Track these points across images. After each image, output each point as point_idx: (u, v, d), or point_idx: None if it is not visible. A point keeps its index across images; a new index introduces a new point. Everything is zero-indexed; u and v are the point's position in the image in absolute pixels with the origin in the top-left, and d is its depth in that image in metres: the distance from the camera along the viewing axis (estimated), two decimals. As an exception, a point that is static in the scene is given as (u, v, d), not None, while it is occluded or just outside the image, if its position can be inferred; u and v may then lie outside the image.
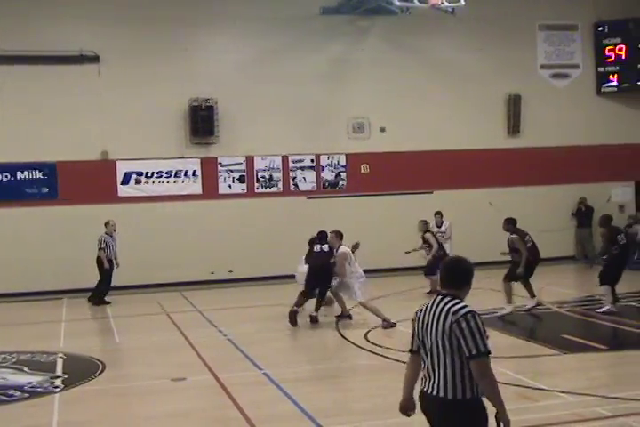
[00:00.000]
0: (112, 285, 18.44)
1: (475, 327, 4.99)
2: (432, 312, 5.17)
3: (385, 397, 9.56)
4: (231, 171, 21.03)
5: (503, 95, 22.70)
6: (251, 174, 21.19)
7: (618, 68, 23.37)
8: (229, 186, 21.06)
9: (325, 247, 15.07)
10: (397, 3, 18.62)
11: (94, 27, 19.94)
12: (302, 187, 21.55)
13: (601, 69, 23.55)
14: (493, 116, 22.68)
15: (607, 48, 23.41)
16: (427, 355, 5.21)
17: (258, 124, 20.90)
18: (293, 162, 21.44)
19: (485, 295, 17.20)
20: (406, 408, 5.47)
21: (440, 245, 17.62)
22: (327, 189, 21.72)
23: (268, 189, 21.31)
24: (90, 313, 17.36)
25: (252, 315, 16.31)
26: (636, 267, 19.42)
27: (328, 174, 21.73)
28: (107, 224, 18.33)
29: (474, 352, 4.97)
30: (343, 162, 21.78)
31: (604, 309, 14.38)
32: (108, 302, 18.08)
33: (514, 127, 22.79)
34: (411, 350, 5.42)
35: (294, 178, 21.49)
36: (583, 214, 22.99)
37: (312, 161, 21.59)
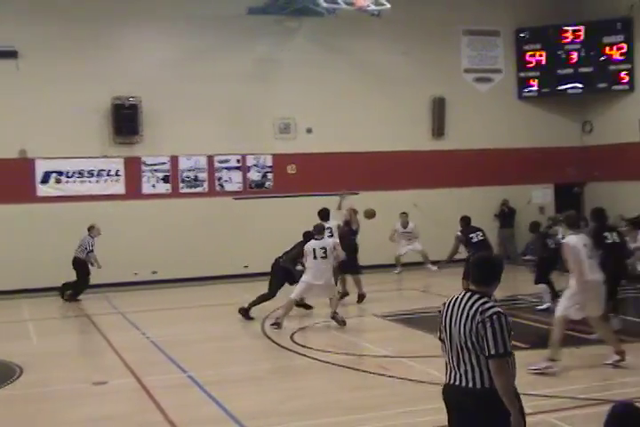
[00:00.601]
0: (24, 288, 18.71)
1: (498, 328, 5.14)
2: (460, 308, 5.30)
3: (311, 397, 9.57)
4: (155, 171, 20.78)
5: (428, 98, 22.95)
6: (175, 174, 20.98)
7: (538, 73, 23.84)
8: (153, 186, 20.80)
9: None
10: (324, 4, 18.65)
11: (13, 21, 19.46)
12: (228, 187, 21.42)
13: (522, 74, 24.00)
14: (418, 119, 22.92)
15: (528, 54, 23.86)
16: (452, 348, 5.35)
17: (183, 124, 20.70)
18: (219, 162, 21.30)
19: (410, 295, 17.40)
20: None
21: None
22: (253, 189, 21.65)
23: (193, 190, 21.13)
24: (5, 316, 16.84)
25: (176, 317, 16.14)
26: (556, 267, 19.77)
27: (254, 175, 21.65)
28: (92, 228, 18.55)
29: (492, 352, 5.12)
30: (269, 162, 21.73)
31: (544, 306, 14.74)
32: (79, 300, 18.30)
33: (438, 130, 23.07)
34: (440, 338, 5.53)
35: (220, 178, 21.35)
36: (505, 216, 23.40)
37: (238, 161, 21.48)
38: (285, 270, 15.08)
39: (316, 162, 21.84)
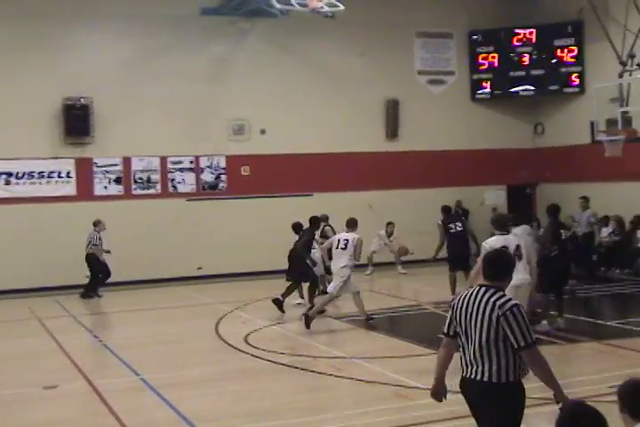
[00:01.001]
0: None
1: (521, 320, 5.29)
2: (476, 303, 5.44)
3: (265, 399, 9.53)
4: (107, 172, 20.56)
5: (382, 99, 23.03)
6: (128, 176, 20.78)
7: (490, 75, 24.06)
8: (105, 187, 20.59)
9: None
10: (277, 5, 18.60)
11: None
12: (181, 189, 21.28)
13: (475, 77, 24.20)
14: (372, 120, 22.99)
15: (480, 56, 24.07)
16: (469, 343, 5.49)
17: (135, 125, 20.52)
18: (172, 163, 21.15)
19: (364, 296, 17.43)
20: (438, 393, 5.91)
21: None
22: (207, 191, 21.53)
23: (146, 191, 20.95)
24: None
25: (128, 319, 15.99)
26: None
27: (208, 176, 21.53)
28: (98, 223, 18.74)
29: (522, 344, 5.28)
30: (223, 164, 21.63)
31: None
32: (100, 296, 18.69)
33: (392, 131, 23.16)
34: (446, 334, 5.70)
35: (173, 180, 21.20)
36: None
37: (191, 162, 21.35)
38: (300, 258, 15.19)
39: (269, 163, 21.78)
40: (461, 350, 5.59)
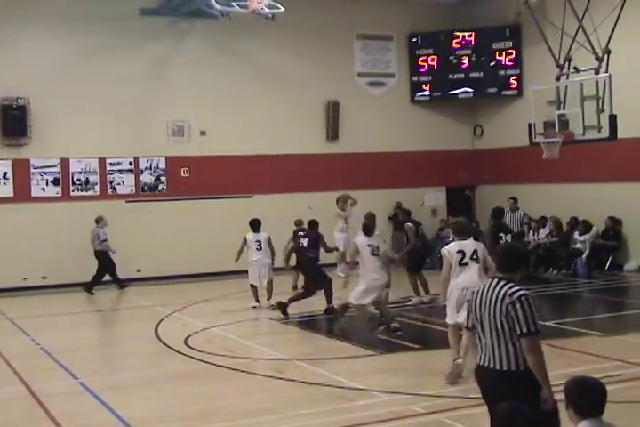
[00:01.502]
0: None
1: (527, 309, 5.56)
2: (489, 294, 5.74)
3: (206, 402, 9.47)
4: (44, 173, 20.25)
5: (322, 101, 23.07)
6: (66, 177, 20.49)
7: (430, 77, 24.27)
8: (43, 189, 20.27)
9: (305, 241, 15.35)
10: (217, 6, 18.53)
11: None
12: (120, 190, 21.05)
13: (414, 79, 24.37)
14: (313, 122, 23.02)
15: (420, 58, 24.26)
16: (483, 332, 5.80)
17: (74, 126, 20.25)
18: (111, 165, 20.91)
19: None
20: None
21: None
22: (146, 192, 21.33)
23: (85, 193, 20.67)
24: None
25: (66, 322, 15.77)
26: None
27: (147, 178, 21.33)
28: (100, 219, 19.13)
29: (524, 331, 5.56)
30: (163, 165, 21.46)
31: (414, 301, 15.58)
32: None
33: (332, 133, 23.21)
34: (467, 327, 6.07)
35: (112, 181, 20.96)
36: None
37: (131, 164, 21.13)
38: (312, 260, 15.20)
39: (209, 165, 21.67)
40: (478, 339, 5.90)
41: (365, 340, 12.57)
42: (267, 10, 18.15)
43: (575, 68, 15.63)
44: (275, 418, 8.66)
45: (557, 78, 16.03)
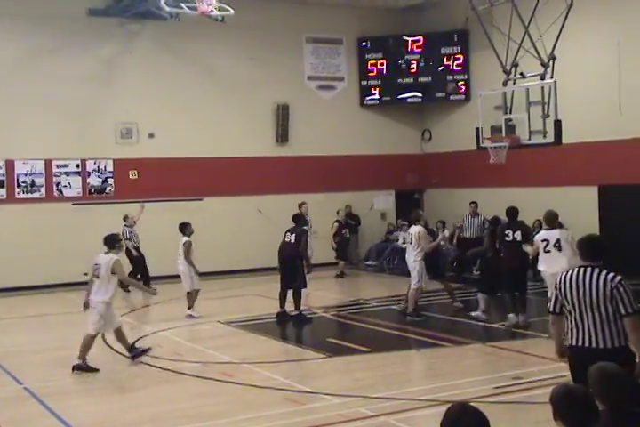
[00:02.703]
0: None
1: (629, 291, 6.27)
2: (586, 281, 6.35)
3: (154, 407, 9.40)
4: (-11, 175, 19.95)
5: (272, 104, 23.05)
6: (11, 179, 20.18)
7: (379, 82, 24.40)
8: (-13, 191, 19.96)
9: (292, 238, 14.99)
10: (167, 8, 18.42)
11: None
12: (67, 193, 20.78)
13: (364, 83, 24.49)
14: (262, 124, 22.98)
15: (370, 62, 24.38)
16: (581, 316, 6.38)
17: (19, 127, 19.93)
18: (57, 167, 20.64)
19: (253, 301, 17.42)
20: (563, 354, 6.70)
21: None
22: (94, 195, 21.10)
23: (30, 195, 20.37)
24: None
25: (9, 327, 15.51)
26: (396, 272, 20.34)
27: (94, 180, 21.10)
28: (126, 218, 19.24)
29: (630, 311, 6.21)
30: (110, 167, 21.25)
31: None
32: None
33: (282, 136, 23.20)
34: (553, 312, 6.64)
35: (58, 183, 20.69)
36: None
37: (77, 166, 20.89)
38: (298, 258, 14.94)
39: (158, 167, 21.51)
40: (571, 323, 6.44)
41: (315, 343, 12.58)
42: (216, 12, 18.07)
43: (521, 73, 15.82)
44: (225, 422, 8.63)
45: (504, 84, 16.20)
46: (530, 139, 15.72)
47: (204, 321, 15.12)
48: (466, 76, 23.59)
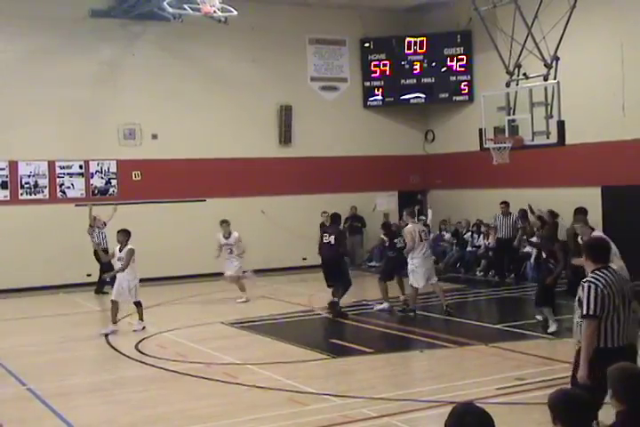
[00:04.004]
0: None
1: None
2: (617, 282, 6.61)
3: (157, 408, 9.41)
4: (-8, 176, 19.98)
5: (275, 105, 23.06)
6: (14, 180, 20.20)
7: (382, 82, 24.41)
8: (-10, 192, 19.99)
9: (332, 239, 15.19)
10: (169, 9, 18.42)
11: None
12: (70, 194, 20.80)
13: (367, 84, 24.50)
14: (265, 126, 22.98)
15: (373, 63, 24.39)
16: (618, 317, 6.57)
17: (22, 128, 19.95)
18: (61, 168, 20.67)
19: (256, 302, 17.42)
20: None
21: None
22: (97, 196, 21.11)
23: (34, 196, 20.39)
24: None
25: (13, 327, 15.52)
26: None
27: (98, 181, 21.12)
28: (94, 219, 19.02)
29: None
30: (114, 168, 21.27)
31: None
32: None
33: (285, 137, 23.21)
34: (595, 316, 6.56)
35: (62, 185, 20.71)
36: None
37: (81, 167, 20.91)
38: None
39: (161, 169, 21.53)
40: (611, 323, 6.53)
41: (318, 344, 12.58)
42: (219, 13, 18.07)
43: (525, 74, 15.81)
44: (228, 423, 8.63)
45: (507, 84, 16.20)
46: (533, 140, 15.72)
47: (206, 322, 15.12)
48: (469, 77, 23.58)
